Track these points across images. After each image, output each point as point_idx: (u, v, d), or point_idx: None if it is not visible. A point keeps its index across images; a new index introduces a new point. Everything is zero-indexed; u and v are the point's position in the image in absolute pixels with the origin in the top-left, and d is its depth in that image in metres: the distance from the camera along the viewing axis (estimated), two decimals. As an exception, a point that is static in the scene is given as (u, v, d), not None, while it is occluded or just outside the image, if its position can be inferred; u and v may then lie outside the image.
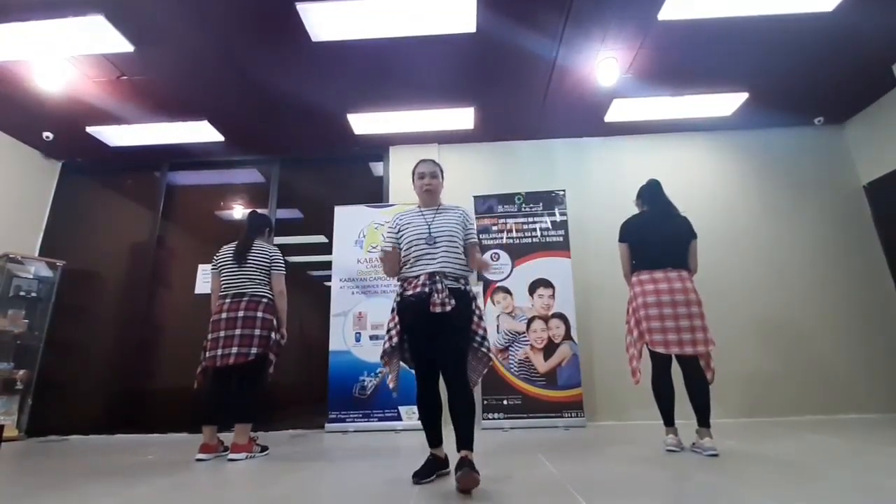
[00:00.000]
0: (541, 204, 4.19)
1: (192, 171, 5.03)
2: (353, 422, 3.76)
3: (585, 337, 4.01)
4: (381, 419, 3.77)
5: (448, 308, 1.94)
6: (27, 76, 3.50)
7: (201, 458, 2.61)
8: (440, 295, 1.95)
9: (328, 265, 4.24)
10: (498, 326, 3.89)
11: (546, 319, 3.87)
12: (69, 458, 2.92)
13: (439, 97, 3.99)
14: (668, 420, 2.58)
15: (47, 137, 4.38)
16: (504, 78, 3.75)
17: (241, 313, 2.72)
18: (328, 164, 5.05)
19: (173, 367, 4.33)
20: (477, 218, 4.21)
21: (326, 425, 3.77)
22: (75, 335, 4.41)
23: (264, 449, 2.80)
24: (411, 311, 2.03)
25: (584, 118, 4.35)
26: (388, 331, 2.11)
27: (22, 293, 4.12)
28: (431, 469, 2.03)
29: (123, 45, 3.18)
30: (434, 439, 2.11)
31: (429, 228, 2.12)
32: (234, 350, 2.65)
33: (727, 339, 3.95)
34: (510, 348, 3.82)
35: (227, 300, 2.78)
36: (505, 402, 3.73)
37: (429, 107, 4.11)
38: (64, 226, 4.70)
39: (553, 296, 3.92)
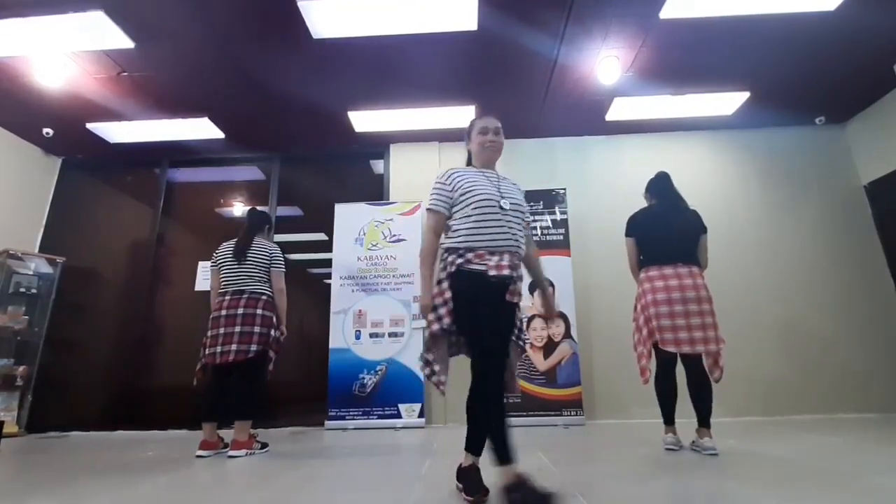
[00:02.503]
0: (541, 202, 4.19)
1: (193, 168, 5.02)
2: (353, 419, 3.76)
3: (585, 335, 4.01)
4: (380, 417, 3.77)
5: (517, 299, 1.66)
6: (27, 72, 3.49)
7: (201, 454, 2.62)
8: (519, 283, 1.66)
9: (328, 263, 4.24)
10: (498, 325, 3.89)
11: (546, 318, 3.86)
12: (69, 454, 2.92)
13: (440, 95, 3.98)
14: (669, 419, 2.56)
15: (47, 134, 4.37)
16: (505, 76, 3.75)
17: (240, 310, 2.72)
18: (329, 162, 5.04)
19: (173, 363, 4.33)
20: (477, 216, 4.20)
21: (326, 423, 3.78)
22: (75, 332, 4.41)
23: (264, 446, 2.81)
24: (490, 294, 1.63)
25: (585, 117, 4.34)
26: (435, 309, 1.67)
27: (22, 289, 4.12)
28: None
29: (124, 42, 3.17)
30: (482, 444, 1.70)
31: (499, 192, 1.74)
32: (234, 347, 2.65)
33: (726, 338, 3.96)
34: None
35: (227, 297, 2.78)
36: (504, 400, 3.72)
37: (430, 105, 4.10)
38: (64, 222, 4.69)
39: (553, 294, 3.91)
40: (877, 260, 4.16)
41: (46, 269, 4.33)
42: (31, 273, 4.23)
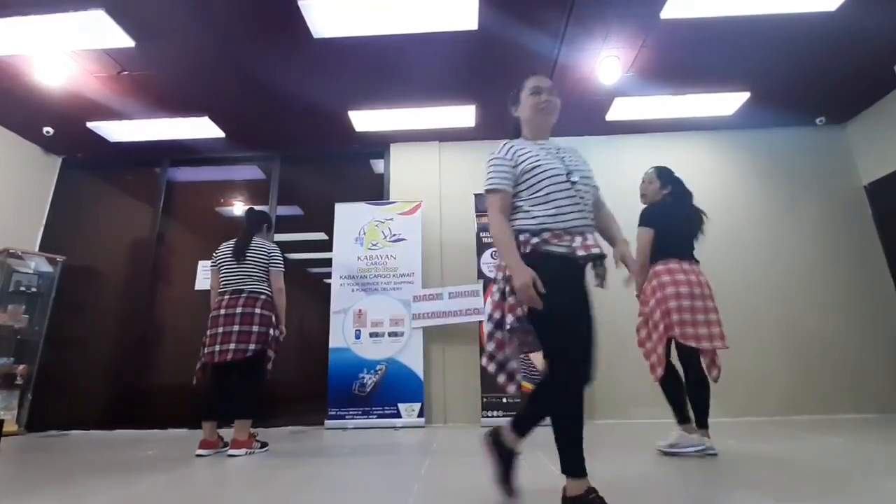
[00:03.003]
0: (541, 202, 4.18)
1: (193, 167, 5.02)
2: (353, 419, 3.77)
3: (585, 335, 4.01)
4: (380, 416, 3.77)
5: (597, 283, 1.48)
6: (27, 71, 3.49)
7: (201, 453, 2.62)
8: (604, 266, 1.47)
9: (328, 262, 4.24)
10: (498, 324, 3.89)
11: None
12: (69, 453, 2.93)
13: (440, 95, 3.98)
14: (687, 417, 2.43)
15: (48, 133, 4.37)
16: (505, 76, 3.74)
17: (239, 310, 2.72)
18: (329, 161, 5.04)
19: (173, 362, 4.33)
20: (477, 216, 4.21)
21: (326, 422, 3.78)
22: (75, 331, 4.41)
23: (264, 445, 2.81)
24: (575, 279, 1.46)
25: (586, 117, 4.34)
26: (508, 295, 1.47)
27: (22, 288, 4.12)
28: None
29: (124, 41, 3.17)
30: (583, 461, 1.42)
31: (564, 164, 1.53)
32: (232, 346, 2.65)
33: (727, 338, 3.96)
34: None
35: (226, 296, 2.79)
36: (504, 400, 3.73)
37: (430, 104, 4.10)
38: (64, 221, 4.69)
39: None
40: (877, 260, 4.16)
41: (46, 267, 4.32)
42: (31, 272, 4.23)
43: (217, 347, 2.67)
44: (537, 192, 1.50)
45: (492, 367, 1.52)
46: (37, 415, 4.05)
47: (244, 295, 2.77)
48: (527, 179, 1.53)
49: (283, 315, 2.90)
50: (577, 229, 1.47)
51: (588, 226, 1.51)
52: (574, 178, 1.50)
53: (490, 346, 1.51)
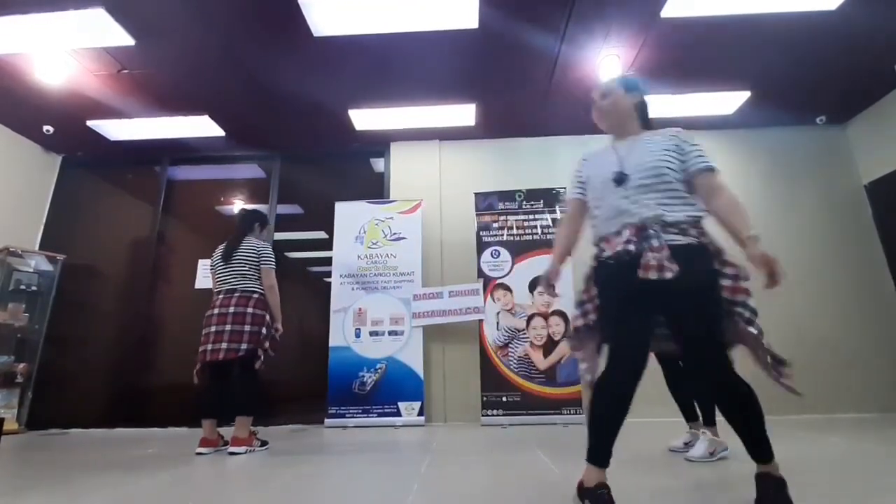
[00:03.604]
0: (542, 201, 4.19)
1: (193, 165, 5.02)
2: (353, 417, 3.77)
3: (585, 334, 4.01)
4: (380, 415, 3.78)
5: (668, 274, 1.36)
6: (27, 69, 3.49)
7: (201, 451, 2.62)
8: (657, 254, 1.39)
9: (328, 261, 4.24)
10: (498, 323, 3.90)
11: (546, 317, 3.87)
12: (69, 451, 2.93)
13: (441, 93, 3.98)
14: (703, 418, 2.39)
15: (48, 131, 4.37)
16: (506, 74, 3.74)
17: (231, 309, 2.74)
18: (329, 160, 5.04)
19: (173, 361, 4.33)
20: (477, 215, 4.21)
21: (326, 420, 3.78)
22: (75, 329, 4.41)
23: (264, 444, 2.81)
24: (613, 280, 1.50)
25: (586, 115, 4.31)
26: (581, 304, 1.60)
27: (22, 287, 4.12)
28: None
29: (124, 39, 3.17)
30: (605, 454, 1.48)
31: (619, 164, 1.55)
32: (224, 346, 2.67)
33: (726, 338, 3.97)
34: (510, 345, 3.83)
35: (220, 296, 2.82)
36: (504, 398, 3.73)
37: (430, 103, 4.10)
38: (64, 220, 4.69)
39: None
40: (877, 259, 4.16)
41: (47, 266, 4.33)
42: (31, 270, 4.23)
43: (209, 346, 2.69)
44: (593, 199, 1.61)
45: (586, 373, 1.62)
46: (37, 413, 4.05)
47: (237, 294, 2.79)
48: (588, 186, 1.64)
49: (277, 312, 2.90)
50: (623, 227, 1.48)
51: (634, 221, 1.46)
52: (621, 178, 1.51)
53: (578, 355, 1.65)
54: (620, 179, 1.51)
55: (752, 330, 1.44)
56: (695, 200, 1.50)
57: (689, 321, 1.40)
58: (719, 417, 1.60)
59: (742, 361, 1.55)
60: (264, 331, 2.79)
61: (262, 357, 2.79)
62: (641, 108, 1.70)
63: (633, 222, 1.46)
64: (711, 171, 1.50)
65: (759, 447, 1.42)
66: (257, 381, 2.81)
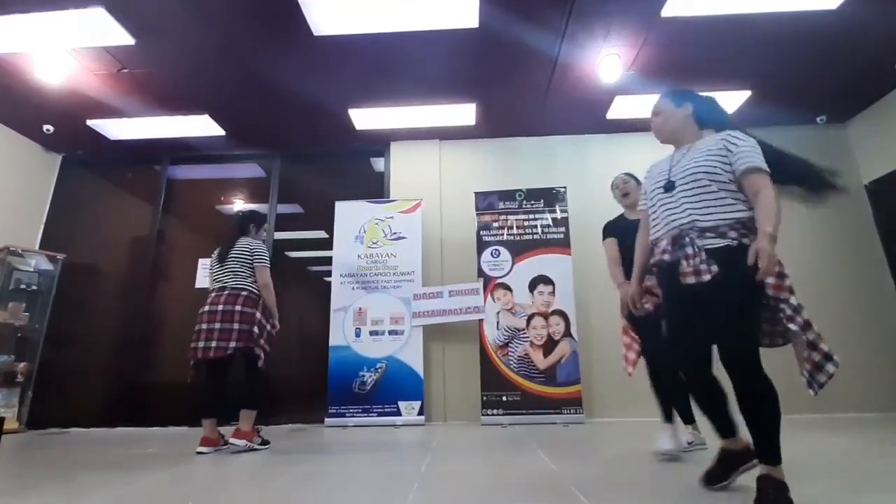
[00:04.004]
0: (542, 201, 4.19)
1: (193, 165, 5.02)
2: (353, 416, 3.77)
3: (585, 334, 4.01)
4: (380, 414, 3.78)
5: (706, 277, 1.44)
6: (28, 69, 3.49)
7: (202, 451, 2.63)
8: (691, 260, 1.48)
9: (329, 260, 4.24)
10: (498, 323, 3.90)
11: (546, 316, 3.87)
12: (70, 450, 2.93)
13: (441, 93, 3.97)
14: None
15: (48, 130, 4.37)
16: (506, 74, 3.74)
17: (220, 307, 2.74)
18: (329, 159, 5.04)
19: (173, 360, 4.32)
20: (477, 214, 4.21)
21: (326, 420, 3.78)
22: (76, 328, 4.41)
23: (266, 442, 2.82)
24: (664, 283, 1.64)
25: (586, 115, 4.34)
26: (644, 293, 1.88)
27: (22, 286, 4.13)
28: (726, 468, 1.59)
29: (124, 38, 3.17)
30: (724, 428, 1.62)
31: (669, 172, 1.64)
32: (214, 344, 2.67)
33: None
34: (510, 345, 3.83)
35: (212, 294, 2.84)
36: (504, 398, 3.74)
37: (430, 102, 4.10)
38: (64, 219, 4.70)
39: (553, 293, 3.92)
40: (877, 259, 4.15)
41: (47, 265, 4.33)
42: (31, 270, 4.23)
43: (200, 343, 2.70)
44: (650, 207, 1.73)
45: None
46: (37, 412, 4.05)
47: (226, 292, 2.79)
48: (648, 198, 1.76)
49: (274, 310, 2.90)
50: (670, 232, 1.58)
51: (681, 224, 1.54)
52: (669, 185, 1.61)
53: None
54: (669, 187, 1.61)
55: (793, 327, 1.48)
56: (745, 200, 1.54)
57: (726, 319, 1.45)
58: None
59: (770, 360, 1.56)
60: (256, 329, 2.77)
61: (263, 355, 2.79)
62: (697, 114, 1.74)
63: (671, 229, 1.57)
64: (753, 171, 1.52)
65: (768, 450, 1.48)
66: (261, 377, 2.81)
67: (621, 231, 2.57)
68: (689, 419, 2.42)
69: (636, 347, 2.48)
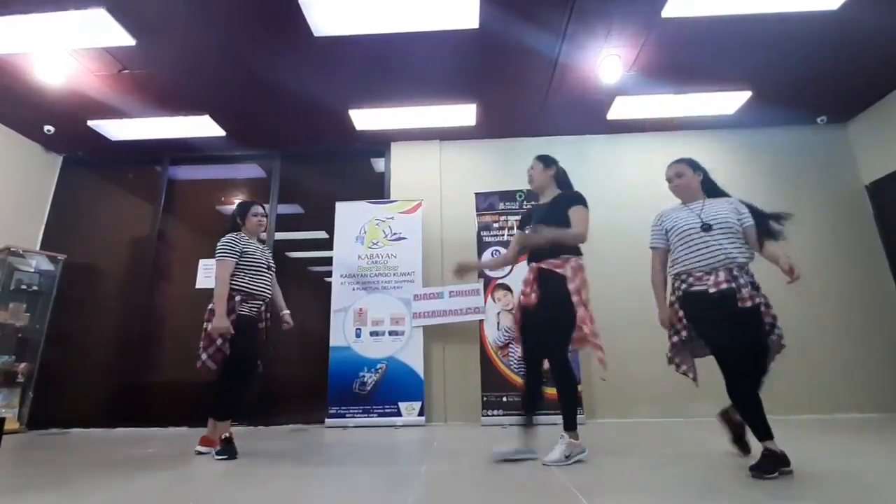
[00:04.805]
0: (542, 201, 4.19)
1: (194, 165, 5.02)
2: (353, 417, 3.77)
3: (585, 334, 4.00)
4: (380, 415, 3.78)
5: (749, 304, 1.94)
6: (28, 69, 3.49)
7: (200, 451, 2.61)
8: (746, 290, 1.95)
9: (329, 261, 4.25)
10: (498, 323, 3.90)
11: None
12: (70, 450, 2.93)
13: (441, 93, 3.97)
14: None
15: (48, 131, 4.37)
16: (506, 74, 3.74)
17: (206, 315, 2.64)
18: (329, 160, 5.04)
19: (174, 361, 4.34)
20: (478, 215, 4.21)
21: (326, 420, 3.78)
22: (76, 328, 4.42)
23: (226, 453, 2.46)
24: (709, 310, 1.98)
25: (587, 115, 4.33)
26: (673, 325, 2.14)
27: (23, 286, 4.13)
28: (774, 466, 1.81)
29: (125, 39, 3.17)
30: (766, 431, 1.90)
31: (699, 218, 2.10)
32: (200, 352, 2.57)
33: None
34: (510, 345, 3.83)
35: None
36: (504, 398, 3.73)
37: (431, 103, 4.10)
38: (65, 219, 4.70)
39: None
40: (878, 260, 4.15)
41: (47, 266, 4.33)
42: (32, 270, 4.23)
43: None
44: (678, 244, 2.13)
45: (672, 366, 2.19)
46: (38, 412, 4.05)
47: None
48: (673, 236, 2.17)
49: (218, 306, 2.53)
50: (713, 267, 2.02)
51: (725, 262, 2.00)
52: (706, 228, 2.06)
53: (669, 352, 2.19)
54: (706, 228, 2.06)
55: (774, 337, 2.06)
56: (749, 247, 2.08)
57: (755, 335, 1.98)
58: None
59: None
60: (203, 334, 2.59)
61: (204, 362, 2.54)
62: (705, 182, 2.27)
63: (725, 264, 2.00)
64: (751, 227, 2.11)
65: (759, 430, 1.89)
66: (226, 385, 2.61)
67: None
68: (571, 425, 2.26)
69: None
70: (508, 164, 4.64)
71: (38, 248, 4.47)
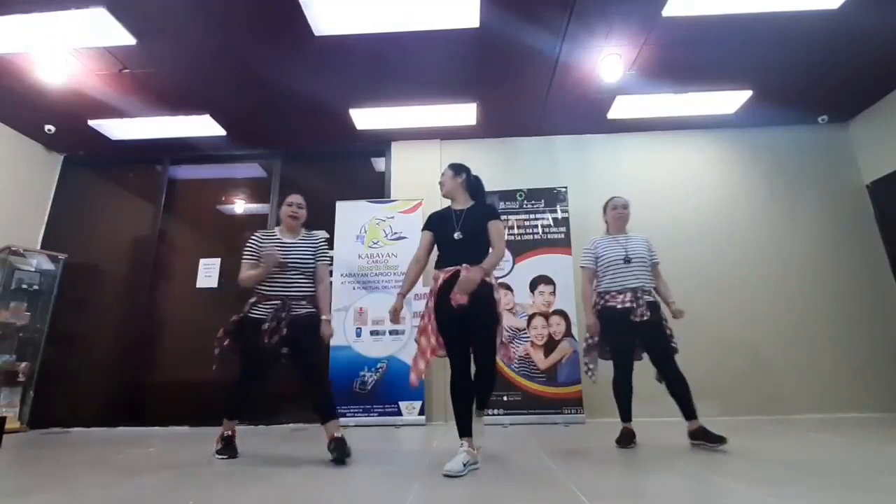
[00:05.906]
0: (542, 201, 4.19)
1: (194, 165, 5.02)
2: (354, 416, 3.77)
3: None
4: (381, 414, 3.78)
5: (645, 318, 2.56)
6: (29, 69, 3.50)
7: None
8: (642, 308, 2.58)
9: (329, 260, 4.24)
10: (498, 323, 3.89)
11: (547, 316, 3.87)
12: (71, 450, 2.94)
13: (442, 93, 3.97)
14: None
15: (49, 130, 4.38)
16: (507, 74, 3.74)
17: None
18: (330, 159, 5.04)
19: (175, 360, 4.34)
20: (478, 214, 4.20)
21: (327, 420, 3.78)
22: (77, 328, 4.42)
23: (226, 452, 2.50)
24: (617, 322, 2.63)
25: (587, 115, 4.33)
26: (589, 329, 2.78)
27: (24, 286, 4.13)
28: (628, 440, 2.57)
29: (126, 38, 3.17)
30: (626, 415, 2.71)
31: (625, 250, 2.73)
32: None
33: (729, 337, 3.96)
34: (510, 345, 3.82)
35: None
36: (505, 398, 3.74)
37: (431, 102, 4.10)
38: (66, 219, 4.71)
39: (554, 293, 3.92)
40: (879, 259, 4.14)
41: (48, 265, 4.34)
42: (33, 269, 4.24)
43: None
44: (604, 270, 2.78)
45: (584, 369, 2.87)
46: (39, 412, 4.06)
47: None
48: (601, 261, 2.81)
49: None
50: (625, 290, 2.67)
51: (635, 286, 2.67)
52: (628, 259, 2.71)
53: (582, 354, 2.93)
54: (628, 259, 2.71)
55: (673, 345, 2.65)
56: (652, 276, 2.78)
57: (658, 342, 2.63)
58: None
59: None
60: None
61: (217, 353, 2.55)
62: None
63: (634, 287, 2.66)
64: (657, 264, 2.85)
65: (688, 410, 2.53)
66: (235, 382, 2.60)
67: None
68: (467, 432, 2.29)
69: (429, 356, 2.42)
70: (509, 164, 4.64)
71: (38, 247, 4.47)
